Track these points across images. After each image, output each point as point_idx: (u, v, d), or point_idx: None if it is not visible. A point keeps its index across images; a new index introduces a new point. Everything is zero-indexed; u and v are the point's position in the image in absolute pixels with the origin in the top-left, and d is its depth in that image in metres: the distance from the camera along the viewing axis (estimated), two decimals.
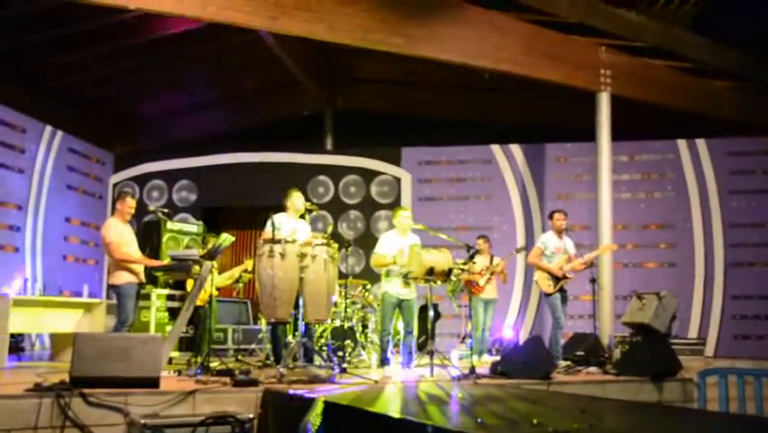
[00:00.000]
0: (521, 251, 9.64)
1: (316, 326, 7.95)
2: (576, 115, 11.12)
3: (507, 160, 12.01)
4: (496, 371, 6.43)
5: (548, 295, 7.70)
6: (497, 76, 10.03)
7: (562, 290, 7.68)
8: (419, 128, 12.94)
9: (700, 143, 11.28)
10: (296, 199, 7.04)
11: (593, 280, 7.94)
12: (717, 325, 10.76)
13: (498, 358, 7.16)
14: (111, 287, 6.61)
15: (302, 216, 7.08)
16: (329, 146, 13.06)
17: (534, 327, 11.24)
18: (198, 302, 7.20)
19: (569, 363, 7.41)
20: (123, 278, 6.49)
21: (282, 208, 7.09)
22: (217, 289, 7.87)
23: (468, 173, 12.14)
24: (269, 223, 6.42)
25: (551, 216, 8.02)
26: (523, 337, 10.58)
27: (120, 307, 6.49)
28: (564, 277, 7.66)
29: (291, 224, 6.96)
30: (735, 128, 11.13)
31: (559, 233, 7.87)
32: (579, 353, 7.66)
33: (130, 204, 6.75)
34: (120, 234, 6.57)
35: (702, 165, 11.23)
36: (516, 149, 12.03)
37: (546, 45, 9.66)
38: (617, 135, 9.91)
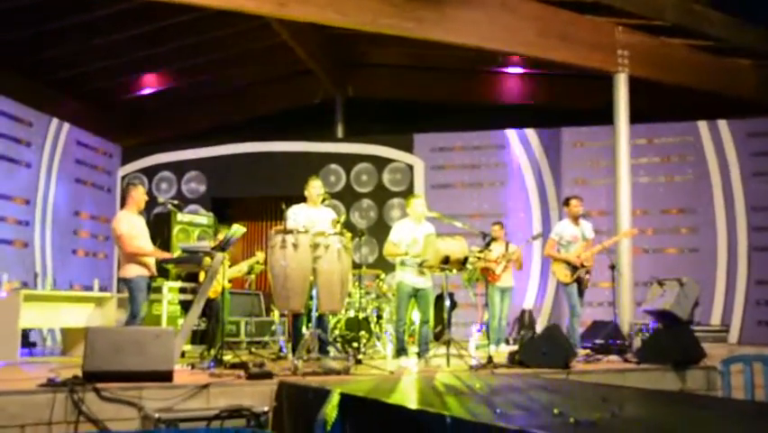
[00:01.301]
0: (537, 238, 9.61)
1: (330, 317, 7.99)
2: (592, 97, 11.04)
3: (523, 145, 11.97)
4: (514, 360, 6.41)
5: (565, 285, 7.67)
6: (510, 58, 9.99)
7: (579, 280, 7.65)
8: (432, 114, 12.90)
9: (722, 124, 11.15)
10: (311, 189, 7.06)
11: (612, 267, 7.91)
12: (741, 311, 10.67)
13: (515, 348, 7.15)
14: (122, 280, 6.63)
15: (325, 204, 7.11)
16: (340, 134, 13.05)
17: (552, 315, 11.22)
18: (211, 294, 7.22)
19: (588, 351, 7.39)
20: (133, 271, 6.52)
21: (303, 198, 7.14)
22: (229, 281, 7.90)
23: (482, 159, 12.12)
24: (284, 216, 6.44)
25: (566, 203, 7.97)
26: (540, 326, 10.57)
27: (131, 300, 6.52)
28: (582, 265, 7.62)
29: (308, 213, 6.97)
30: (757, 108, 10.99)
31: (575, 219, 7.83)
32: (598, 341, 7.63)
33: (141, 192, 6.77)
34: (132, 226, 6.59)
35: (724, 147, 11.11)
36: (531, 133, 11.97)
37: (561, 26, 9.58)
38: (635, 118, 9.83)
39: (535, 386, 4.66)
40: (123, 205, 7.28)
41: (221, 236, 7.67)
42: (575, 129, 11.77)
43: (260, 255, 8.20)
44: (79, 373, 4.86)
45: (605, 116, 10.10)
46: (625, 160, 9.73)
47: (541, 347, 6.25)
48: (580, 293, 7.70)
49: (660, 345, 6.59)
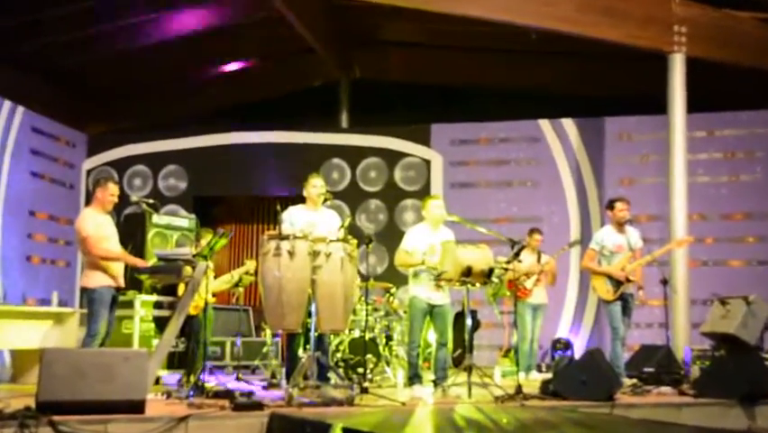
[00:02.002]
0: (575, 245, 9.55)
1: (332, 337, 7.95)
2: (642, 81, 10.98)
3: (559, 137, 11.92)
4: (547, 390, 6.37)
5: (607, 302, 7.62)
6: (545, 36, 9.93)
7: (624, 297, 7.59)
8: (452, 100, 12.86)
9: None
10: (311, 188, 7.04)
11: (664, 282, 7.82)
12: None
13: (549, 375, 7.10)
14: (83, 290, 6.62)
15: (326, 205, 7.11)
16: (344, 123, 13.04)
17: (592, 337, 11.15)
18: (191, 310, 7.21)
19: (636, 381, 7.33)
20: (97, 280, 6.48)
21: (302, 199, 7.13)
22: (213, 294, 7.88)
23: (511, 154, 12.08)
24: (279, 221, 6.43)
25: (610, 206, 7.91)
26: (579, 350, 10.50)
27: (90, 315, 6.47)
28: (628, 280, 7.56)
29: (306, 216, 6.95)
30: None
31: (620, 226, 7.78)
32: (648, 369, 7.56)
33: (112, 190, 6.74)
34: (99, 226, 6.56)
35: None
36: (568, 124, 11.92)
37: None
38: (692, 106, 9.77)
39: (573, 422, 4.62)
40: (88, 204, 7.28)
41: (204, 242, 7.68)
42: (621, 119, 11.72)
43: (250, 264, 8.18)
44: (32, 403, 4.82)
45: (657, 104, 10.04)
46: (680, 155, 9.67)
47: (579, 376, 6.20)
48: (626, 313, 7.63)
49: (723, 374, 6.52)
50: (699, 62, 9.78)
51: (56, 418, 4.61)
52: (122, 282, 6.69)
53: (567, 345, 10.64)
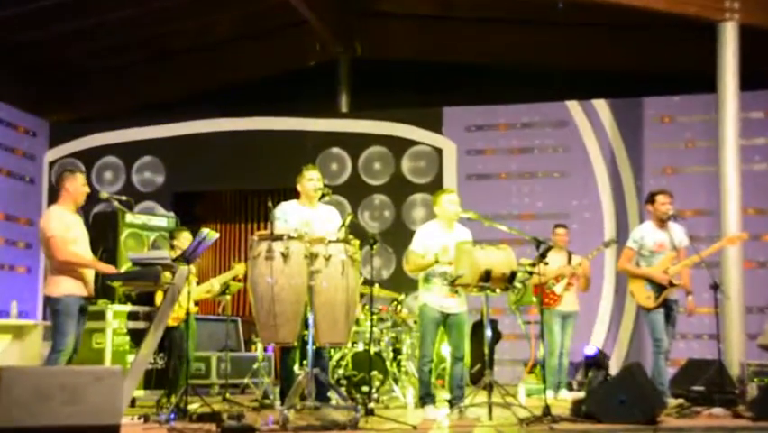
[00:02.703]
0: (610, 245, 9.53)
1: (332, 351, 7.94)
2: (687, 55, 10.94)
3: (590, 121, 11.90)
4: (579, 412, 6.36)
5: (647, 310, 7.60)
6: (573, 5, 9.89)
7: (667, 304, 7.58)
8: (467, 80, 12.85)
9: None
10: (305, 182, 7.04)
11: (715, 287, 7.79)
12: None
13: (582, 394, 7.08)
14: (47, 299, 6.60)
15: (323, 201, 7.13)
16: (344, 107, 13.02)
17: (630, 350, 11.13)
18: (170, 322, 7.20)
19: (682, 401, 7.31)
20: (63, 287, 6.47)
21: (296, 194, 7.13)
22: (195, 303, 7.87)
23: (535, 141, 12.07)
24: (270, 219, 6.42)
25: (651, 200, 7.90)
26: (616, 366, 10.47)
27: (55, 328, 6.47)
28: (671, 284, 7.54)
29: (301, 213, 6.96)
30: None
31: (662, 222, 7.76)
32: (697, 387, 7.54)
33: (82, 181, 6.73)
34: (66, 227, 6.55)
35: None
36: (601, 106, 11.90)
37: None
38: (747, 83, 9.77)
39: None
40: (51, 200, 7.26)
41: (183, 243, 7.67)
42: (662, 99, 11.70)
43: (239, 268, 8.18)
44: None
45: (704, 81, 10.02)
46: (732, 140, 9.65)
47: (617, 394, 6.20)
48: (670, 322, 7.62)
49: None
50: (754, 31, 9.75)
51: None
52: (91, 290, 6.69)
53: (602, 360, 10.60)
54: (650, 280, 7.59)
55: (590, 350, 10.55)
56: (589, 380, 9.03)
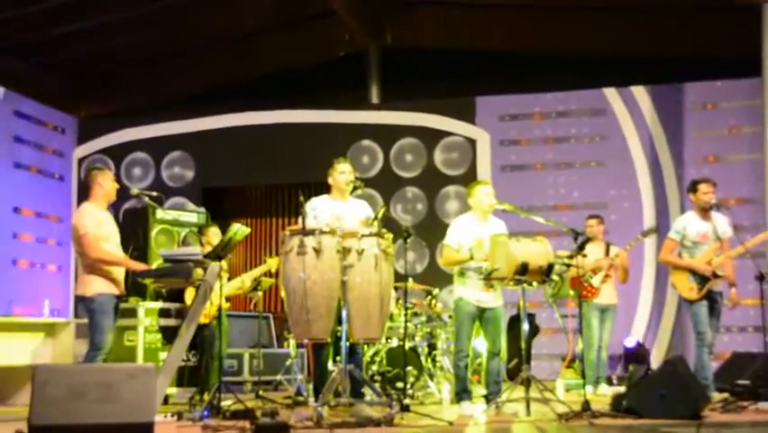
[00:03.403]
0: (650, 234, 9.46)
1: (366, 347, 7.97)
2: (730, 39, 10.83)
3: (628, 109, 11.83)
4: (620, 407, 6.34)
5: (690, 302, 7.57)
6: None
7: (710, 296, 7.53)
8: (500, 69, 12.78)
9: None
10: (336, 175, 7.09)
11: (761, 277, 7.75)
12: None
13: (622, 389, 7.06)
14: (80, 299, 6.68)
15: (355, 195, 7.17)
16: (375, 99, 13.02)
17: (672, 344, 11.07)
18: (202, 319, 7.27)
19: (727, 396, 7.27)
20: (96, 287, 6.56)
21: (327, 188, 7.18)
22: (227, 299, 7.93)
23: (571, 130, 12.03)
24: (302, 214, 6.46)
25: (693, 189, 7.86)
26: (658, 360, 10.42)
27: (93, 327, 6.55)
28: (715, 276, 7.50)
29: (333, 208, 7.01)
30: None
31: (704, 211, 7.72)
32: (742, 381, 7.49)
33: (112, 177, 6.82)
34: (99, 224, 6.61)
35: None
36: (640, 93, 11.83)
37: None
38: None
39: None
40: (81, 198, 7.33)
41: (212, 238, 7.74)
42: (704, 84, 11.62)
43: (271, 263, 8.22)
44: (24, 427, 4.88)
45: (748, 65, 9.91)
46: None
47: (658, 389, 6.18)
48: (713, 314, 7.58)
49: None
50: None
51: None
52: (122, 288, 6.75)
53: (643, 354, 10.56)
54: (693, 272, 7.56)
55: (630, 343, 10.52)
56: (630, 374, 9.00)
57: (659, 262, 8.78)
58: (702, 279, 7.52)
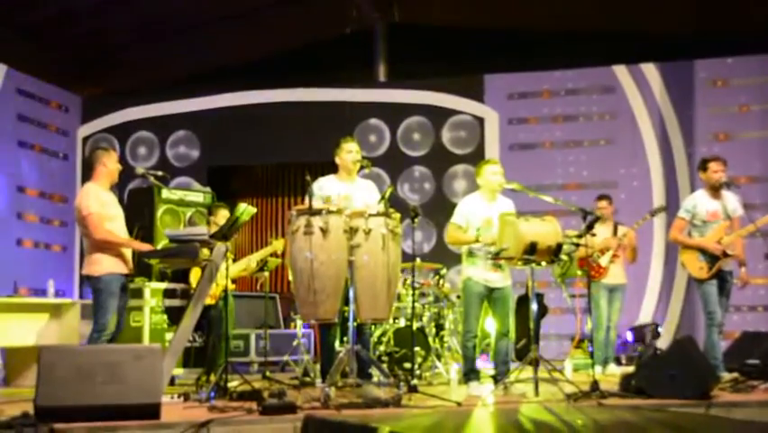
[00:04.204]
0: (659, 213, 9.45)
1: (373, 328, 8.00)
2: (740, 14, 10.77)
3: (638, 86, 11.80)
4: (629, 387, 6.36)
5: (700, 282, 7.57)
6: None
7: (720, 275, 7.53)
8: (509, 46, 12.73)
9: None
10: (343, 154, 7.09)
11: None
12: None
13: (631, 369, 7.08)
14: (87, 279, 6.69)
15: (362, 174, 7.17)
16: (382, 77, 12.99)
17: (682, 324, 11.08)
18: (208, 300, 7.29)
19: (737, 375, 7.27)
20: (104, 266, 6.56)
21: (333, 168, 7.16)
22: (233, 280, 7.95)
23: (581, 108, 12.01)
24: (308, 193, 6.45)
25: (703, 167, 7.85)
26: (667, 339, 10.44)
27: (97, 307, 6.55)
28: (725, 255, 7.50)
29: (340, 187, 7.02)
30: None
31: (715, 190, 7.71)
32: (752, 361, 7.49)
33: (116, 158, 6.82)
34: (103, 204, 6.61)
35: None
36: (650, 70, 11.80)
37: None
38: None
39: (661, 424, 4.60)
40: (86, 177, 7.34)
41: (220, 219, 7.75)
42: (715, 61, 11.57)
43: (277, 244, 8.24)
44: (30, 409, 4.91)
45: (759, 42, 9.85)
46: None
47: (668, 369, 6.18)
48: (723, 293, 7.58)
49: None
50: None
51: (58, 425, 4.69)
52: (131, 267, 6.75)
53: (653, 333, 10.57)
54: (703, 251, 7.56)
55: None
56: (639, 354, 9.03)
57: (669, 241, 8.76)
58: (712, 258, 7.52)
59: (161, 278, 8.55)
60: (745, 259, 7.73)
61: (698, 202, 7.74)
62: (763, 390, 6.73)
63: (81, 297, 9.75)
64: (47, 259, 11.95)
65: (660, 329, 10.63)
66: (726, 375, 7.25)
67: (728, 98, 11.42)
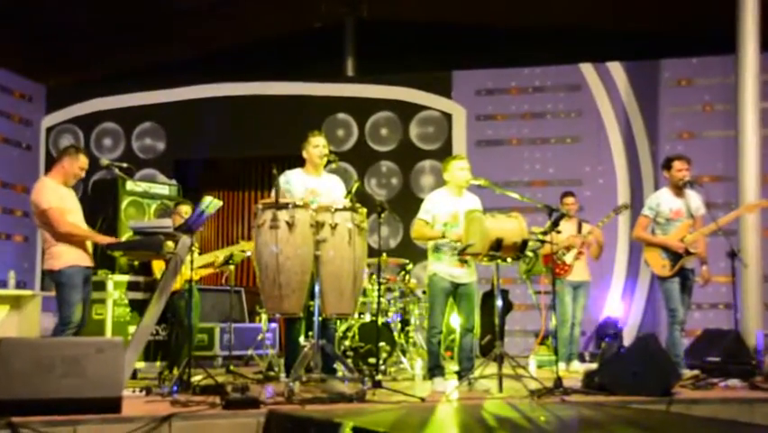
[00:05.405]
0: (623, 210, 9.49)
1: (338, 322, 7.97)
2: (704, 14, 10.85)
3: (604, 84, 11.87)
4: (592, 384, 6.39)
5: (663, 279, 7.62)
6: None
7: (683, 273, 7.58)
8: (477, 43, 12.76)
9: None
10: (310, 149, 7.07)
11: (732, 255, 7.81)
12: None
13: (594, 366, 7.11)
14: (48, 273, 6.62)
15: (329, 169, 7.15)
16: (350, 71, 12.98)
17: (644, 321, 11.15)
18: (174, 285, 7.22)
19: (698, 372, 7.33)
20: (66, 258, 6.50)
21: (301, 162, 7.13)
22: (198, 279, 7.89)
23: (547, 105, 12.05)
24: (275, 187, 6.41)
25: (667, 166, 7.90)
26: (630, 337, 10.51)
27: (61, 301, 6.51)
28: (688, 253, 7.55)
29: (306, 181, 7.00)
30: None
31: (678, 188, 7.76)
32: (713, 358, 7.55)
33: (82, 163, 6.72)
34: (61, 198, 6.56)
35: None
36: (615, 68, 11.87)
37: None
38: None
39: (623, 420, 4.63)
40: (49, 167, 7.25)
41: (184, 210, 7.69)
42: (679, 61, 11.67)
43: (246, 245, 8.17)
44: None
45: (723, 42, 9.92)
46: (752, 103, 9.59)
47: (630, 366, 6.22)
48: (686, 291, 7.64)
49: None
50: None
51: (16, 419, 4.63)
52: (92, 259, 6.70)
53: (615, 331, 10.64)
54: (666, 249, 7.60)
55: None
56: (602, 351, 9.07)
57: (632, 239, 8.82)
58: (675, 256, 7.56)
59: (126, 271, 8.47)
60: (707, 257, 7.78)
61: (661, 200, 7.78)
62: (723, 387, 6.80)
63: (43, 288, 9.62)
64: (8, 250, 11.84)
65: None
66: (687, 372, 7.30)
67: (692, 98, 11.53)
